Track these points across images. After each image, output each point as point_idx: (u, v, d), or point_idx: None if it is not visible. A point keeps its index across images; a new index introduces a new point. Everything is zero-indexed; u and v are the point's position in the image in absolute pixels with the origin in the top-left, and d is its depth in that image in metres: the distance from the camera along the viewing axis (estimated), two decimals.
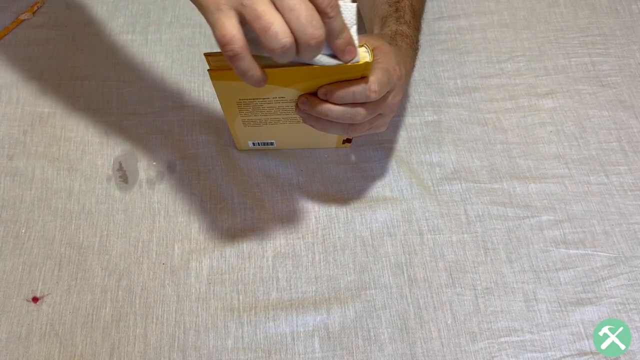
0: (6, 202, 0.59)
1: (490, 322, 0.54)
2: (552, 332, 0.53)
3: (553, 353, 0.52)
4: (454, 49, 0.71)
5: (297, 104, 0.48)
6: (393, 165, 0.62)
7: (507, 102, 0.67)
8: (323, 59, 0.41)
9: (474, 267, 0.56)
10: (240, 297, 0.54)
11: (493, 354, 0.52)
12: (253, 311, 0.54)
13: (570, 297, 0.55)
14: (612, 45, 0.71)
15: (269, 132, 0.56)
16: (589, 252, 0.57)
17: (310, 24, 0.35)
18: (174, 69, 0.68)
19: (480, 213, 0.59)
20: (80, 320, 0.53)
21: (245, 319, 0.53)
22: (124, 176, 0.61)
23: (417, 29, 0.56)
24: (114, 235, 0.57)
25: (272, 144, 0.60)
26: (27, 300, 0.54)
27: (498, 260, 0.57)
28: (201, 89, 0.66)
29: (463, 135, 0.64)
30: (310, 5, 0.36)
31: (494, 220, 0.59)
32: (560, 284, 0.56)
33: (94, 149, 0.62)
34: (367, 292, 0.55)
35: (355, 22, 0.40)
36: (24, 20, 0.71)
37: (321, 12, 0.36)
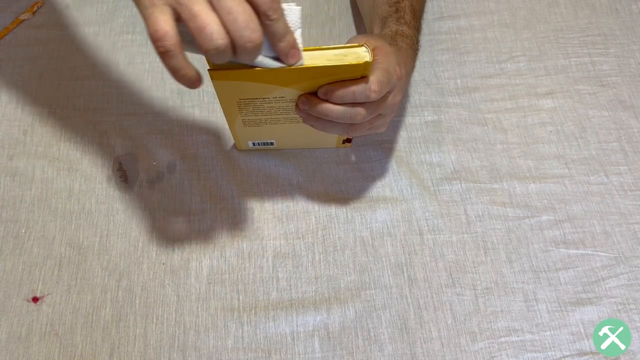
0: (6, 202, 0.59)
1: (490, 322, 0.54)
2: (552, 332, 0.53)
3: (553, 353, 0.52)
4: (454, 49, 0.71)
5: (297, 103, 0.48)
6: (393, 165, 0.62)
7: (507, 102, 0.67)
8: (267, 61, 0.40)
9: (474, 267, 0.56)
10: (240, 297, 0.54)
11: (493, 354, 0.52)
12: (253, 311, 0.54)
13: (570, 297, 0.55)
14: (612, 45, 0.71)
15: (269, 132, 0.56)
16: (589, 252, 0.57)
17: (247, 27, 0.35)
18: None
19: (480, 213, 0.59)
20: (80, 320, 0.53)
21: (245, 319, 0.53)
22: (124, 176, 0.61)
23: (417, 29, 0.56)
24: (114, 235, 0.57)
25: (272, 144, 0.60)
26: (27, 300, 0.54)
27: (498, 260, 0.57)
28: (201, 88, 0.66)
29: (463, 135, 0.64)
30: (249, 8, 0.35)
31: (494, 220, 0.59)
32: (560, 284, 0.56)
33: (94, 149, 0.62)
34: (367, 292, 0.55)
35: (300, 25, 0.40)
36: (24, 20, 0.71)
37: (262, 15, 0.36)
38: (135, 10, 0.72)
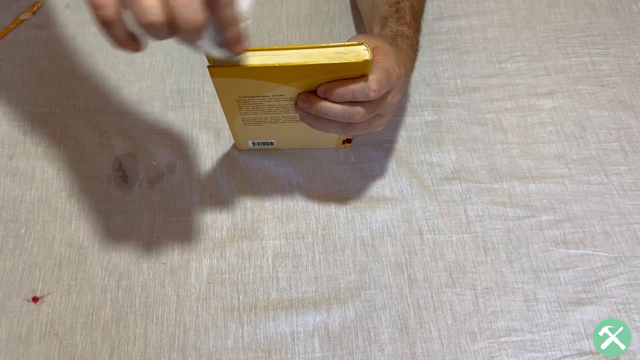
0: (6, 202, 0.59)
1: (490, 322, 0.54)
2: (552, 332, 0.53)
3: (553, 353, 0.52)
4: (454, 49, 0.71)
5: (296, 102, 0.48)
6: (393, 165, 0.62)
7: (507, 102, 0.67)
8: (210, 48, 0.39)
9: (474, 267, 0.56)
10: (240, 297, 0.54)
11: (493, 354, 0.52)
12: (253, 311, 0.54)
13: (570, 297, 0.55)
14: (612, 45, 0.71)
15: (268, 132, 0.56)
16: (589, 252, 0.57)
17: (189, 7, 0.33)
18: (174, 69, 0.68)
19: (480, 213, 0.59)
20: (80, 320, 0.53)
21: (245, 319, 0.53)
22: (124, 176, 0.61)
23: (417, 29, 0.56)
24: (114, 235, 0.57)
25: (272, 143, 0.60)
26: (27, 300, 0.54)
27: (498, 260, 0.57)
28: (201, 89, 0.66)
29: (463, 135, 0.64)
30: None
31: (494, 220, 0.59)
32: (560, 284, 0.56)
33: (94, 149, 0.62)
34: (367, 292, 0.55)
35: (251, 15, 0.39)
36: (24, 20, 0.71)
37: (212, 0, 0.35)
38: None
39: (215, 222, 0.58)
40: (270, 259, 0.57)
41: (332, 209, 0.59)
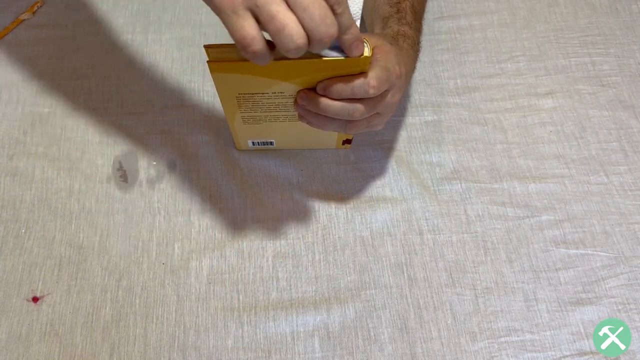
0: (6, 202, 0.59)
1: (490, 322, 0.54)
2: (552, 332, 0.53)
3: (553, 353, 0.52)
4: (454, 49, 0.71)
5: (296, 99, 0.48)
6: (393, 165, 0.62)
7: (507, 102, 0.67)
8: (330, 52, 0.41)
9: (474, 267, 0.56)
10: (240, 297, 0.54)
11: (493, 354, 0.52)
12: (253, 311, 0.54)
13: (570, 297, 0.55)
14: (612, 45, 0.71)
15: (268, 131, 0.56)
16: (589, 252, 0.57)
17: (324, 23, 0.36)
18: (174, 68, 0.68)
19: (480, 213, 0.59)
20: (80, 320, 0.53)
21: (245, 318, 0.53)
22: (124, 176, 0.61)
23: (418, 30, 0.56)
24: (114, 235, 0.57)
25: (271, 143, 0.60)
26: (27, 300, 0.54)
27: (498, 260, 0.57)
28: (201, 88, 0.66)
29: (463, 135, 0.64)
30: (323, 3, 0.36)
31: (494, 220, 0.59)
32: (560, 284, 0.56)
33: (94, 148, 0.62)
34: (367, 292, 0.55)
35: (360, 16, 0.40)
36: (24, 20, 0.71)
37: (332, 9, 0.36)
38: (135, 10, 0.72)
39: (215, 222, 0.58)
40: (270, 258, 0.57)
41: (332, 208, 0.59)
